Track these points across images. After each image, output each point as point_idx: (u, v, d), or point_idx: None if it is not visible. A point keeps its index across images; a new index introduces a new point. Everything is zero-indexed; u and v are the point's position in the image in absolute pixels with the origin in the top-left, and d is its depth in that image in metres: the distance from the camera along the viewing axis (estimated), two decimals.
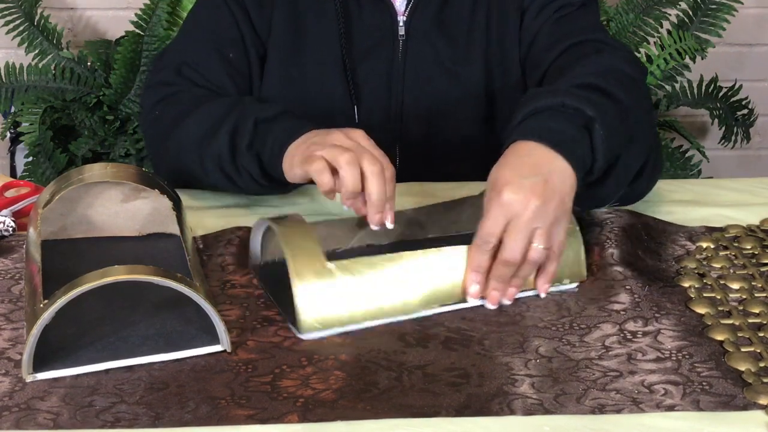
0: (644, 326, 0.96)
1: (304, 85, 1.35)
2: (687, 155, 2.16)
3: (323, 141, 1.04)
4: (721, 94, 2.23)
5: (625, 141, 1.07)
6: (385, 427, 0.81)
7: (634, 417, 0.83)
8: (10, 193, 1.17)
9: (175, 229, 1.08)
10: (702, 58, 2.15)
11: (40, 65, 2.09)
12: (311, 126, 1.10)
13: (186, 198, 1.16)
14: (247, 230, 1.12)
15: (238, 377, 0.87)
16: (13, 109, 2.07)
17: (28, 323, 0.89)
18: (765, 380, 0.88)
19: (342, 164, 1.00)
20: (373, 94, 1.35)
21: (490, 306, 0.99)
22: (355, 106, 1.34)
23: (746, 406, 0.85)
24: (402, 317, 0.97)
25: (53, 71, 2.08)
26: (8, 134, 2.11)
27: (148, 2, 2.07)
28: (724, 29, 2.19)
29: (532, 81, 1.33)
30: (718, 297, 1.02)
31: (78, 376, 0.87)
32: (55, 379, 0.86)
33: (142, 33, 2.06)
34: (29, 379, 0.86)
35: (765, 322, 0.97)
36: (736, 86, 2.23)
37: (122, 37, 2.09)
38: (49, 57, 2.10)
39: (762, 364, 0.90)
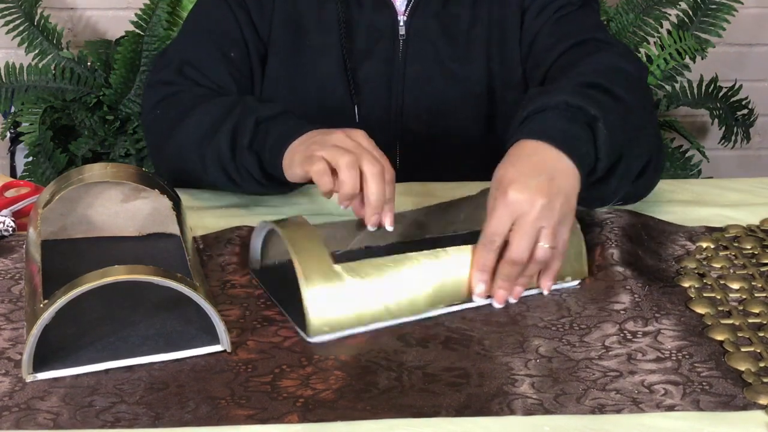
0: (644, 326, 0.96)
1: (305, 84, 1.35)
2: (687, 155, 2.16)
3: (324, 141, 1.04)
4: (721, 94, 2.23)
5: (628, 139, 1.07)
6: (385, 427, 0.81)
7: (634, 417, 0.83)
8: (10, 193, 1.17)
9: (175, 229, 1.08)
10: (702, 58, 2.15)
11: (40, 65, 2.09)
12: (311, 126, 1.10)
13: (186, 198, 1.16)
14: (248, 230, 1.12)
15: (238, 377, 0.87)
16: (13, 109, 2.07)
17: (28, 323, 0.89)
18: (765, 380, 0.88)
19: (341, 166, 1.00)
20: (373, 94, 1.35)
21: (497, 305, 0.99)
22: (356, 106, 1.34)
23: (746, 406, 0.85)
24: (408, 318, 0.96)
25: (53, 71, 2.08)
26: (8, 134, 2.11)
27: (148, 2, 2.07)
28: (724, 29, 2.19)
29: (534, 81, 1.33)
30: (718, 297, 1.02)
31: (78, 376, 0.87)
32: (55, 379, 0.86)
33: (142, 33, 2.06)
34: (29, 379, 0.86)
35: (765, 322, 0.97)
36: (736, 86, 2.23)
37: (122, 37, 2.09)
38: (49, 57, 2.10)
39: (762, 364, 0.90)
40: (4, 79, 2.07)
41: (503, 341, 0.94)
